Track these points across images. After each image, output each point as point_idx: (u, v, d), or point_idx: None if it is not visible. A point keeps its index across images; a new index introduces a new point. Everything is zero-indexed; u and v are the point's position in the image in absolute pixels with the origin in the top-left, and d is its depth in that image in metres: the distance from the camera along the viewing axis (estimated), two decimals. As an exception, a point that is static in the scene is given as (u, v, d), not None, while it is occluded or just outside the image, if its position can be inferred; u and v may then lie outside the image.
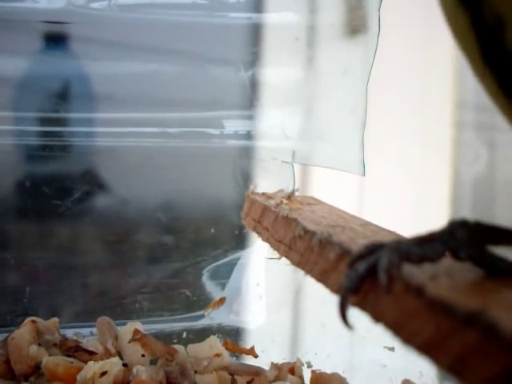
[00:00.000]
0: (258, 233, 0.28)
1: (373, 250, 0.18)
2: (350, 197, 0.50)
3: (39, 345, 0.28)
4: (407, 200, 0.55)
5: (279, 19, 0.36)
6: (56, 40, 0.36)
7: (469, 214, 0.64)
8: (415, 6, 0.57)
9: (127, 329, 0.30)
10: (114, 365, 0.27)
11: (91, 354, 0.28)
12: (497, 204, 0.66)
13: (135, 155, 0.37)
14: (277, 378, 0.30)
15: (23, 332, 0.28)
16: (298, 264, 0.23)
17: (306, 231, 0.22)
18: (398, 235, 0.23)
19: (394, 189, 0.54)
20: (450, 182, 0.59)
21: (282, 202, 0.27)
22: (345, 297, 0.17)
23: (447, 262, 0.19)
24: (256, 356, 0.32)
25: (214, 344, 0.30)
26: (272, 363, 0.31)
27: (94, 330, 0.30)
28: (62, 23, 0.36)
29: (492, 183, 0.66)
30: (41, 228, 0.37)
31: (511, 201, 0.66)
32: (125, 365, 0.28)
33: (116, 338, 0.30)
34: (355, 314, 0.18)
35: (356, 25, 0.31)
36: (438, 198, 0.58)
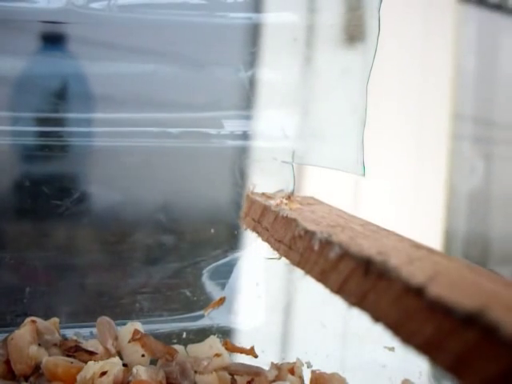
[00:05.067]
0: (257, 233, 0.28)
1: None
2: (344, 209, 0.50)
3: (39, 345, 0.28)
4: (402, 211, 0.55)
5: (278, 19, 0.36)
6: (54, 40, 0.36)
7: (464, 226, 0.64)
8: (414, 17, 0.57)
9: (127, 329, 0.30)
10: (113, 365, 0.27)
11: (91, 354, 0.28)
12: (492, 217, 0.66)
13: (134, 155, 0.37)
14: (277, 378, 0.30)
15: (23, 332, 0.28)
16: (297, 264, 0.23)
17: (306, 231, 0.22)
18: (397, 235, 0.23)
19: (389, 200, 0.54)
20: (446, 194, 0.59)
21: (281, 202, 0.27)
22: None
23: (446, 262, 0.19)
24: (256, 356, 0.32)
25: (213, 344, 0.30)
26: (272, 363, 0.31)
27: (94, 330, 0.30)
28: (60, 23, 0.35)
29: (488, 196, 0.66)
30: (40, 228, 0.37)
31: (506, 214, 0.66)
32: (125, 365, 0.28)
33: (116, 338, 0.30)
34: (355, 314, 0.18)
35: (355, 25, 0.31)
36: (433, 209, 0.58)
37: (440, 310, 0.15)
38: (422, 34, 0.56)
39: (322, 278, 0.21)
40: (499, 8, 0.67)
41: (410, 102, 0.56)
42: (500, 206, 0.65)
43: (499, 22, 0.67)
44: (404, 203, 0.56)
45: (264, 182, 0.32)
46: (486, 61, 0.65)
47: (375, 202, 0.53)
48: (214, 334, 0.32)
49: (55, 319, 0.30)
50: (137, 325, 0.30)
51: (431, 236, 0.56)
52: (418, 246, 0.21)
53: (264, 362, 0.31)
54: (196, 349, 0.31)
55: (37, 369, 0.27)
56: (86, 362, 0.27)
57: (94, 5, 0.33)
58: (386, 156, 0.54)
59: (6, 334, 0.28)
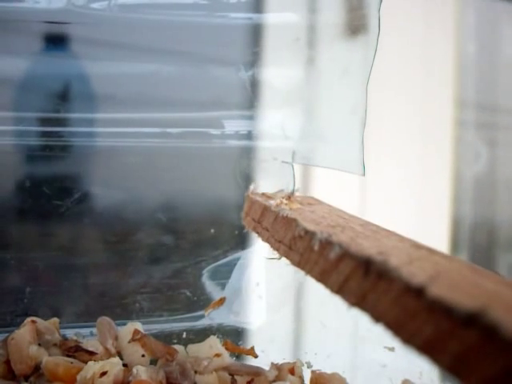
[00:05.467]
0: (257, 233, 0.28)
1: None
2: (350, 197, 0.50)
3: (39, 345, 0.28)
4: (408, 199, 0.55)
5: (279, 19, 0.36)
6: (56, 40, 0.36)
7: (470, 213, 0.64)
8: (415, 5, 0.57)
9: (127, 329, 0.30)
10: (113, 365, 0.26)
11: (91, 354, 0.28)
12: (498, 203, 0.66)
13: (135, 155, 0.37)
14: (277, 378, 0.30)
15: (23, 332, 0.28)
16: (297, 264, 0.23)
17: (306, 231, 0.22)
18: (397, 235, 0.23)
19: (395, 188, 0.54)
20: (451, 181, 0.59)
21: (281, 202, 0.27)
22: None
23: (447, 262, 0.19)
24: (256, 356, 0.32)
25: (214, 344, 0.30)
26: (272, 363, 0.30)
27: (94, 330, 0.30)
28: (62, 23, 0.36)
29: (493, 182, 0.66)
30: (41, 228, 0.37)
31: (512, 200, 0.66)
32: (125, 365, 0.28)
33: (116, 338, 0.30)
34: (355, 314, 0.18)
35: (356, 25, 0.31)
36: (438, 196, 0.58)
37: (440, 310, 0.15)
38: (423, 22, 0.56)
39: (322, 278, 0.21)
40: (499, -6, 0.67)
41: (413, 91, 0.56)
42: (505, 192, 0.65)
43: (499, 8, 0.67)
44: (410, 191, 0.55)
45: (266, 182, 0.32)
46: (487, 47, 0.65)
47: (382, 192, 0.53)
48: (214, 334, 0.32)
49: (55, 319, 0.30)
50: (137, 325, 0.30)
51: (438, 223, 0.56)
52: (418, 246, 0.21)
53: (264, 361, 0.31)
54: (196, 349, 0.31)
55: (37, 369, 0.27)
56: (86, 362, 0.27)
57: (95, 5, 0.33)
58: (390, 144, 0.54)
59: (6, 334, 0.28)
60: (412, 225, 0.52)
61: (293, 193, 0.30)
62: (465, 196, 0.64)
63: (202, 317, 0.35)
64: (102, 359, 0.28)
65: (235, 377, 0.30)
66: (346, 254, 0.19)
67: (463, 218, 0.63)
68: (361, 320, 0.18)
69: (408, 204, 0.55)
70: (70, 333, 0.31)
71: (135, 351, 0.29)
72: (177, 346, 0.31)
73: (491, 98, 0.65)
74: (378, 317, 0.17)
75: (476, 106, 0.64)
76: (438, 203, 0.58)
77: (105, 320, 0.30)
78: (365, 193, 0.51)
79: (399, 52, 0.55)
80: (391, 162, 0.54)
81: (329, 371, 0.31)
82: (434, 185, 0.58)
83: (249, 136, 0.37)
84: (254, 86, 0.36)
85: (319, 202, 0.29)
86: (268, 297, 0.36)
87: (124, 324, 0.31)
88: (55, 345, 0.29)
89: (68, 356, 0.28)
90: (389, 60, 0.53)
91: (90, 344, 0.29)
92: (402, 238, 0.22)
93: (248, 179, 0.37)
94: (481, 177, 0.65)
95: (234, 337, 0.34)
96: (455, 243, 0.61)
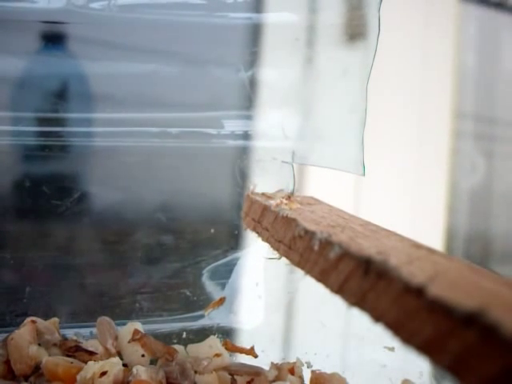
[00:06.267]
0: (257, 233, 0.28)
1: None
2: (345, 207, 0.50)
3: (39, 345, 0.28)
4: (403, 208, 0.55)
5: (279, 19, 0.36)
6: (55, 40, 0.36)
7: (465, 223, 0.64)
8: (415, 15, 0.57)
9: (127, 329, 0.30)
10: (113, 365, 0.26)
11: (91, 354, 0.28)
12: (493, 214, 0.66)
13: (134, 155, 0.37)
14: (277, 378, 0.30)
15: (23, 332, 0.28)
16: (297, 264, 0.23)
17: (306, 231, 0.22)
18: (397, 235, 0.23)
19: (391, 196, 0.55)
20: (447, 192, 0.59)
21: (281, 202, 0.27)
22: None
23: (446, 262, 0.19)
24: (256, 356, 0.32)
25: (213, 344, 0.30)
26: (272, 363, 0.31)
27: (94, 330, 0.30)
28: (60, 23, 0.35)
29: (489, 193, 0.66)
30: (40, 228, 0.37)
31: (508, 211, 0.66)
32: (125, 365, 0.28)
33: (116, 338, 0.30)
34: (355, 313, 0.18)
35: (356, 25, 0.31)
36: (434, 206, 0.58)
37: (440, 310, 0.15)
38: (423, 33, 0.56)
39: (322, 277, 0.21)
40: (499, 6, 0.67)
41: (412, 100, 0.56)
42: (501, 204, 0.65)
43: (499, 19, 0.67)
44: (406, 201, 0.56)
45: (264, 181, 0.32)
46: (486, 58, 0.66)
47: (377, 200, 0.53)
48: (214, 334, 0.32)
49: (55, 319, 0.30)
50: (137, 325, 0.30)
51: (433, 234, 0.56)
52: (417, 246, 0.21)
53: (264, 362, 0.31)
54: (196, 349, 0.31)
55: (37, 369, 0.27)
56: (86, 362, 0.27)
57: (94, 5, 0.33)
58: (387, 154, 0.54)
59: (6, 334, 0.28)
60: (406, 234, 0.52)
61: (292, 193, 0.30)
62: (460, 207, 0.64)
63: (202, 317, 0.35)
64: (101, 359, 0.28)
65: (235, 377, 0.30)
66: (345, 254, 0.19)
67: (458, 229, 0.63)
68: (361, 320, 0.18)
69: (403, 213, 0.55)
70: (70, 333, 0.31)
71: (135, 351, 0.29)
72: (177, 346, 0.31)
73: (489, 109, 0.65)
74: (377, 316, 0.17)
75: (474, 117, 0.64)
76: (433, 213, 0.58)
77: (105, 320, 0.30)
78: (359, 201, 0.51)
79: (398, 61, 0.55)
80: (387, 170, 0.54)
81: (329, 371, 0.31)
82: (429, 195, 0.58)
83: (248, 136, 0.37)
84: (253, 86, 0.36)
85: (319, 202, 0.29)
86: (267, 297, 0.36)
87: (124, 324, 0.31)
88: (55, 345, 0.29)
89: (68, 356, 0.28)
90: (387, 70, 0.53)
91: (90, 344, 0.29)
92: (401, 238, 0.22)
93: (247, 179, 0.37)
94: (477, 188, 0.65)
95: (234, 337, 0.34)
96: (449, 254, 0.61)
